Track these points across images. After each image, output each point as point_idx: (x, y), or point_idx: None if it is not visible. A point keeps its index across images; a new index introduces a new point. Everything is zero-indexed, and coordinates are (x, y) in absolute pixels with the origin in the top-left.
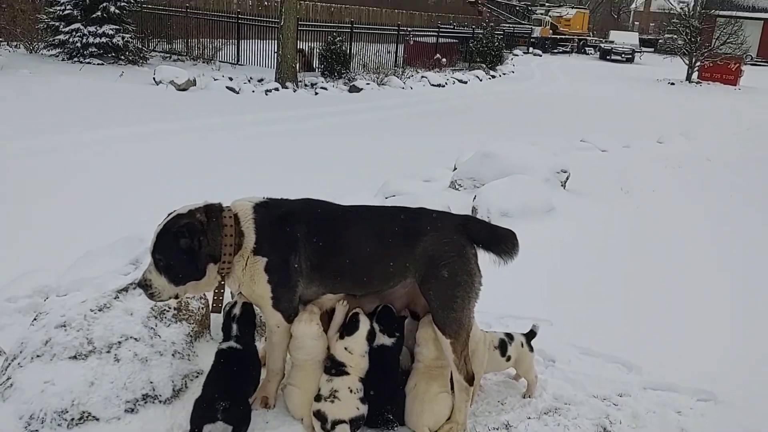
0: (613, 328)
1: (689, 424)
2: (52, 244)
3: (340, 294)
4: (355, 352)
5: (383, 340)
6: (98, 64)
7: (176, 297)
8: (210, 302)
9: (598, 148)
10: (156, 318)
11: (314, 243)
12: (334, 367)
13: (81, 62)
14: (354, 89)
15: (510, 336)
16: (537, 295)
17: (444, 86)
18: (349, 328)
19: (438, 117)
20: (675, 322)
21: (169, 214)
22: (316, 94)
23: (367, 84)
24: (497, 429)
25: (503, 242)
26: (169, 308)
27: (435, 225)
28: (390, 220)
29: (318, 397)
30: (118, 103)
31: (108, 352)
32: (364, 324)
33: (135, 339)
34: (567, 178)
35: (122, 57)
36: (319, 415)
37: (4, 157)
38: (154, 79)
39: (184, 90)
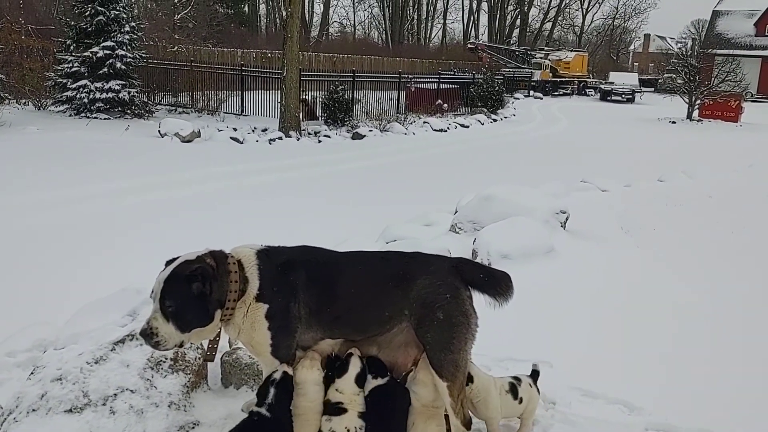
0: (615, 370)
1: None
2: (52, 298)
3: (338, 339)
4: (346, 392)
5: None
6: (105, 118)
7: (180, 345)
8: (205, 351)
9: (598, 188)
10: (152, 369)
11: (312, 290)
12: (331, 407)
13: (88, 117)
14: (357, 136)
15: (517, 379)
16: (537, 337)
17: (446, 131)
18: (339, 369)
19: (440, 161)
20: (676, 363)
21: (171, 261)
22: (320, 142)
23: (370, 131)
24: None
25: (498, 284)
26: (166, 359)
27: (428, 268)
28: (384, 265)
29: None
30: (122, 156)
31: (104, 404)
32: (354, 366)
33: (131, 391)
34: (566, 219)
35: (128, 111)
36: None
37: (6, 213)
38: (159, 131)
39: (188, 141)
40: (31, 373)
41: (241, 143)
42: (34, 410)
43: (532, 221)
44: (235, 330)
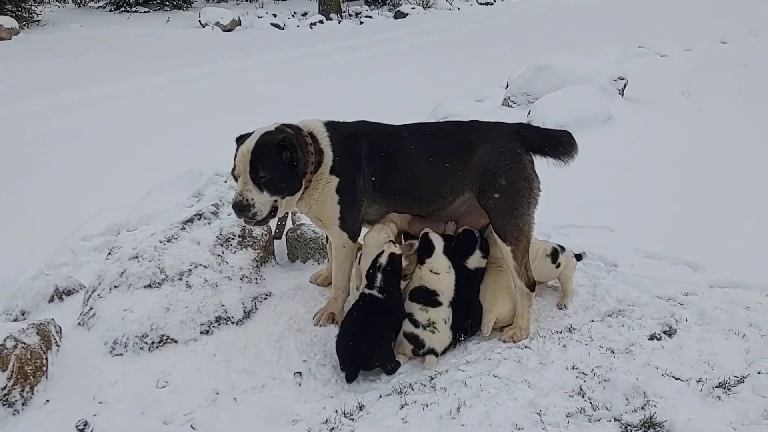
0: (677, 231)
1: (758, 318)
2: (118, 186)
3: (404, 215)
4: (440, 270)
5: (482, 263)
6: (144, 11)
7: (273, 215)
8: (273, 229)
9: (657, 54)
10: (222, 246)
11: (375, 163)
12: (426, 298)
13: (128, 11)
14: (399, 15)
15: (562, 247)
16: (597, 203)
17: (493, 3)
18: (426, 250)
19: (488, 36)
20: (740, 224)
21: (244, 136)
22: (361, 23)
23: (413, 8)
24: (560, 332)
25: (560, 144)
26: (234, 236)
27: (488, 135)
28: (443, 135)
29: (416, 323)
30: (167, 49)
31: (180, 279)
32: (438, 241)
33: (204, 266)
34: (625, 86)
35: (167, 2)
36: (417, 341)
37: (63, 110)
38: (199, 21)
39: (229, 30)
40: (109, 254)
41: (282, 29)
42: (116, 287)
43: (588, 89)
44: (306, 204)
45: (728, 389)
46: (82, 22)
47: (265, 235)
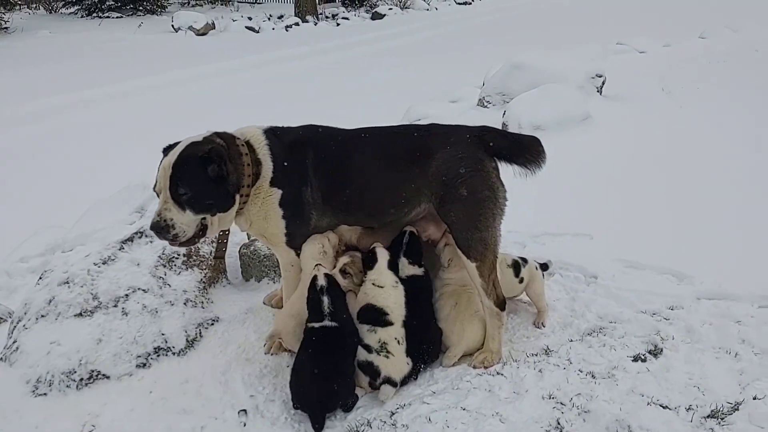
0: (661, 239)
1: (752, 334)
2: (64, 201)
3: (355, 227)
4: (385, 284)
5: (413, 270)
6: (117, 17)
7: (202, 234)
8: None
9: (636, 50)
10: (165, 266)
11: (323, 171)
12: (375, 317)
13: (100, 17)
14: (376, 16)
15: (524, 260)
16: (575, 209)
17: (471, 3)
18: (369, 261)
19: (465, 36)
20: (728, 227)
21: (170, 147)
22: (338, 25)
23: (390, 9)
24: (536, 354)
25: (526, 151)
26: (179, 255)
27: (447, 140)
28: (397, 140)
29: (368, 348)
30: (137, 54)
31: (115, 306)
32: (382, 255)
33: (143, 290)
34: (603, 83)
35: (140, 7)
36: (371, 369)
37: (19, 119)
38: (172, 26)
39: (203, 35)
40: (40, 278)
41: (257, 32)
42: (42, 316)
43: (565, 88)
44: (246, 221)
45: (721, 419)
46: (51, 28)
47: (213, 253)
